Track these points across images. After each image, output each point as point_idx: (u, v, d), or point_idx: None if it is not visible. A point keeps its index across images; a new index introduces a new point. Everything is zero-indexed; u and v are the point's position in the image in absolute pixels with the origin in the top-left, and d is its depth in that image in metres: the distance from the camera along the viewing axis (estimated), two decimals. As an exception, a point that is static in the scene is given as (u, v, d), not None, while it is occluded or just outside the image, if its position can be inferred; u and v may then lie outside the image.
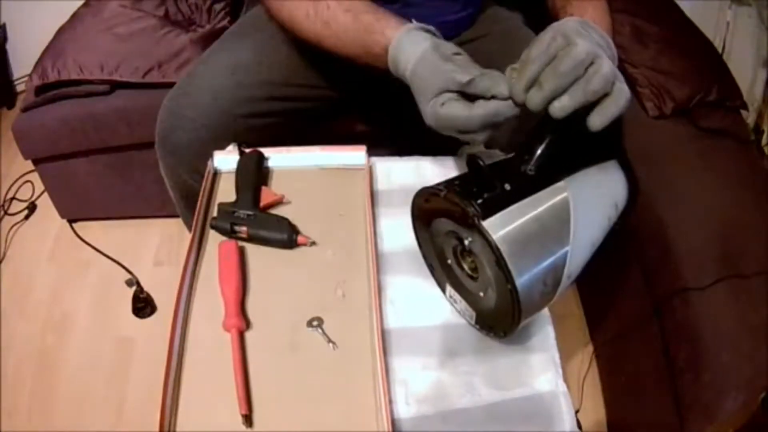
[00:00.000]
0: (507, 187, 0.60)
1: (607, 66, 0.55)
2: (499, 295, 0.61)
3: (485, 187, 0.59)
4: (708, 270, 1.00)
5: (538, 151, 0.62)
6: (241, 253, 0.70)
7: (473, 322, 0.67)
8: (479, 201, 0.58)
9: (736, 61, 1.46)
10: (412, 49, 0.67)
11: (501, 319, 0.62)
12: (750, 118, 1.44)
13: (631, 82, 1.26)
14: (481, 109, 0.61)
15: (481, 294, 0.64)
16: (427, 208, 0.67)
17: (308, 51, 0.96)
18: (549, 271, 0.59)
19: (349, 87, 1.01)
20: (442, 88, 0.64)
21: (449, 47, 0.67)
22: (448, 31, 0.97)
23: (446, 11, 0.93)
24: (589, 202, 0.62)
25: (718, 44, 1.48)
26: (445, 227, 0.65)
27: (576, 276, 0.61)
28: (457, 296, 0.68)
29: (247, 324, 0.64)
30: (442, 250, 0.68)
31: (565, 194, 0.60)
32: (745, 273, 0.99)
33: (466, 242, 0.62)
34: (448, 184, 0.61)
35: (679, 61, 1.28)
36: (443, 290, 0.70)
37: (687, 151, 1.20)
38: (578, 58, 0.54)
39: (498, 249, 0.56)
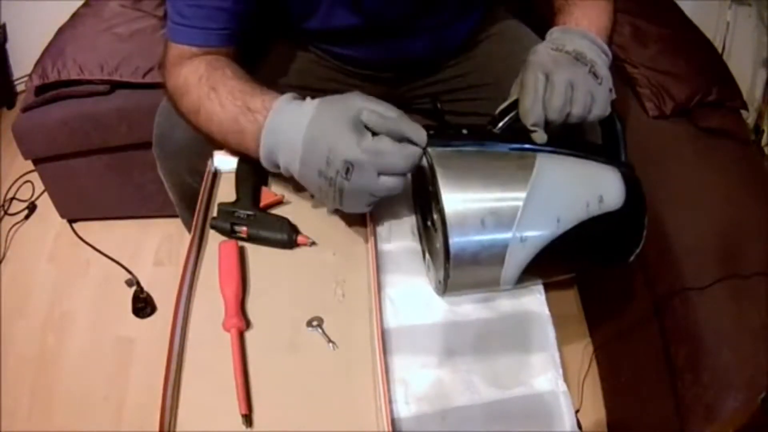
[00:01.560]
0: (464, 131, 0.61)
1: (579, 105, 0.63)
2: (442, 234, 0.60)
3: (441, 126, 0.60)
4: (708, 270, 1.00)
5: (507, 116, 0.64)
6: (241, 253, 0.70)
7: (435, 285, 0.67)
8: (431, 132, 0.59)
9: (736, 61, 1.46)
10: (295, 115, 0.63)
11: (442, 263, 0.62)
12: (750, 118, 1.44)
13: (631, 82, 1.26)
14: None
15: (438, 245, 0.64)
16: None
17: (310, 52, 0.96)
18: (491, 213, 0.58)
19: (352, 89, 1.01)
20: (353, 124, 0.59)
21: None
22: (453, 51, 0.97)
23: (446, 38, 0.93)
24: (561, 176, 0.62)
25: (718, 44, 1.48)
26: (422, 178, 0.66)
27: (536, 246, 0.60)
28: (431, 262, 0.68)
29: (247, 324, 0.64)
30: (422, 208, 0.68)
31: (533, 159, 0.61)
32: (745, 273, 0.99)
33: (430, 189, 0.62)
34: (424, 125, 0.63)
35: (679, 61, 1.28)
36: (423, 257, 0.71)
37: (687, 151, 1.20)
38: (559, 104, 0.62)
39: (435, 168, 0.57)
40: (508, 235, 0.58)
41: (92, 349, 1.37)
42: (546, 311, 0.70)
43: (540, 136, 0.63)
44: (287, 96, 0.65)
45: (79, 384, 1.31)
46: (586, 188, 0.63)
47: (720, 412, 0.89)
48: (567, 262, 0.64)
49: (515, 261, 0.60)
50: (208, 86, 0.68)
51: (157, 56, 1.30)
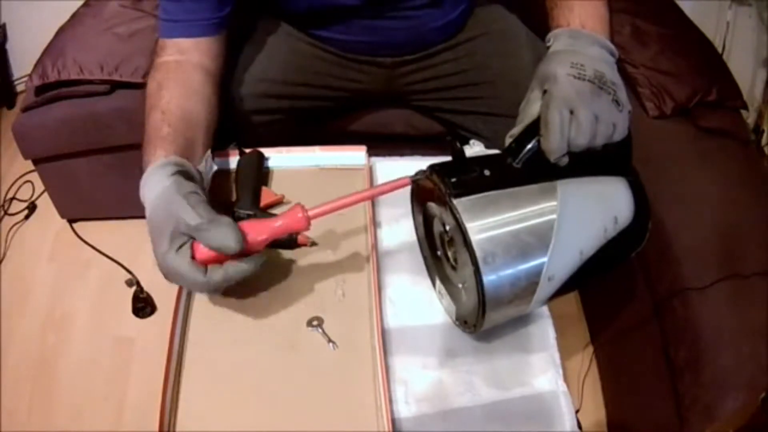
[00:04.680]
0: (486, 173, 0.60)
1: (602, 137, 0.61)
2: (471, 284, 0.60)
3: (463, 169, 0.60)
4: (708, 270, 1.00)
5: (527, 147, 0.62)
6: (241, 252, 0.70)
7: (454, 318, 0.67)
8: (453, 180, 0.58)
9: (736, 61, 1.46)
10: (152, 187, 0.65)
11: (473, 311, 0.61)
12: (750, 118, 1.44)
13: (631, 82, 1.26)
14: (217, 276, 0.57)
15: (460, 285, 0.64)
16: (418, 192, 0.67)
17: (309, 51, 0.96)
18: (522, 262, 0.58)
19: (351, 87, 1.01)
20: (172, 232, 0.57)
21: (188, 186, 0.63)
22: (442, 35, 0.97)
23: (434, 18, 0.93)
24: (582, 207, 0.62)
25: (718, 44, 1.48)
26: (434, 212, 0.65)
27: (561, 281, 0.60)
28: (444, 290, 0.68)
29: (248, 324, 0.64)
30: (433, 239, 0.68)
31: (554, 193, 0.60)
32: (745, 273, 0.99)
33: (447, 227, 0.62)
34: (434, 165, 0.62)
35: (679, 61, 1.28)
36: (434, 284, 0.70)
37: (687, 151, 1.20)
38: (584, 142, 0.61)
39: (464, 225, 0.56)
40: (537, 280, 0.58)
41: (92, 348, 1.37)
42: (546, 311, 0.70)
43: (563, 163, 0.62)
44: (158, 167, 0.67)
45: (79, 384, 1.31)
46: (603, 213, 0.63)
47: (720, 412, 0.89)
48: (583, 283, 0.64)
49: (540, 297, 0.60)
50: (148, 105, 0.75)
51: (157, 56, 1.31)
